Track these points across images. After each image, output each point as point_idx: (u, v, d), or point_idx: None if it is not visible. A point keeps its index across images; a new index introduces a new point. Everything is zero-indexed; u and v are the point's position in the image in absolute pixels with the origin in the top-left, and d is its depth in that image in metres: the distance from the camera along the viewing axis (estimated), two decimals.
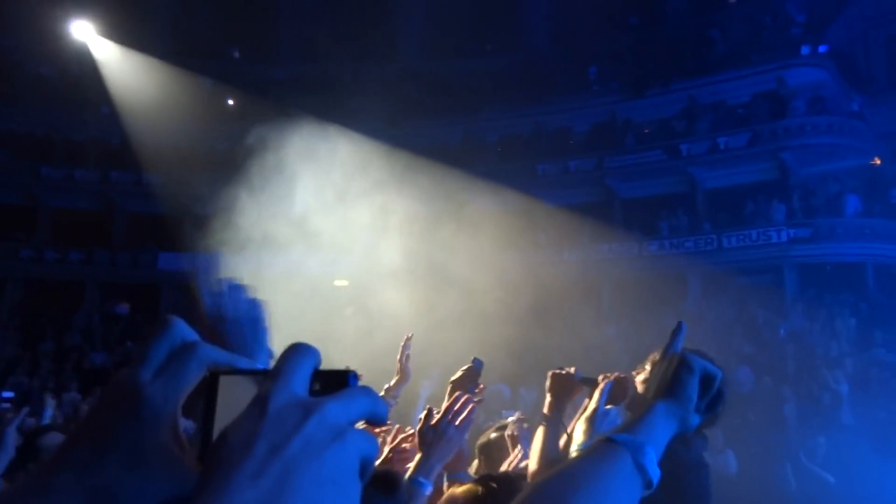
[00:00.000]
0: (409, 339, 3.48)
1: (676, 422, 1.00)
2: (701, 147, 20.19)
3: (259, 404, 0.48)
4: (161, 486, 0.55)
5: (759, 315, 14.82)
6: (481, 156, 20.71)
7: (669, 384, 1.03)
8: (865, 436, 8.10)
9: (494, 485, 2.12)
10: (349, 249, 9.76)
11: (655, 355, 2.42)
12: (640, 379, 2.46)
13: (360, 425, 0.51)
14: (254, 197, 8.45)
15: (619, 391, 2.42)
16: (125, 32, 20.70)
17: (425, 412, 2.29)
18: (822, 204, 18.80)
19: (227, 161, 9.00)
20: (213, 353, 0.59)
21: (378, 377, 3.42)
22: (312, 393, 0.51)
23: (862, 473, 7.17)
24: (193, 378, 0.58)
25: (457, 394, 2.39)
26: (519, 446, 2.97)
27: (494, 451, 3.06)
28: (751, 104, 20.36)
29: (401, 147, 12.14)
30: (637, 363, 2.54)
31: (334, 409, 0.48)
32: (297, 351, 0.52)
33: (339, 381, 0.53)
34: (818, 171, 19.56)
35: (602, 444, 0.92)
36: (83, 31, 20.64)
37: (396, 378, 3.38)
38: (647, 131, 21.71)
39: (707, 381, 1.04)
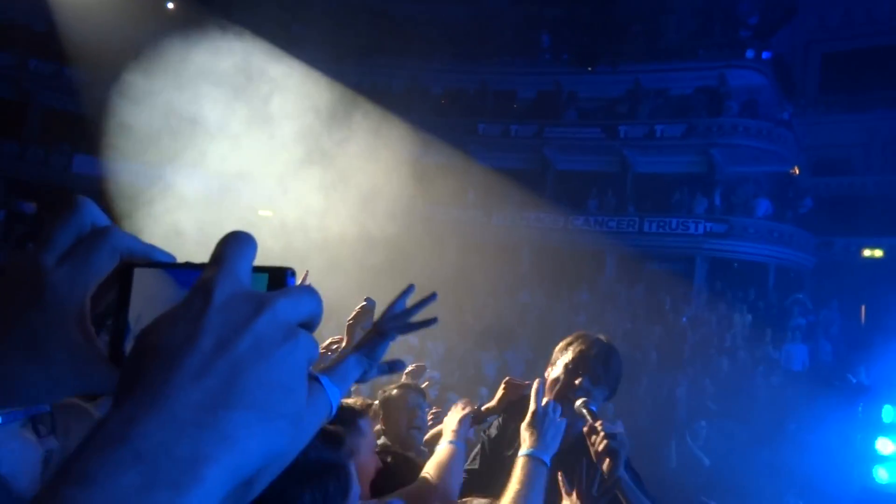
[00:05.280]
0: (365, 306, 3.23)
1: (362, 368, 1.53)
2: (638, 131, 20.60)
3: (202, 293, 0.40)
4: (65, 380, 0.50)
5: (667, 301, 15.46)
6: (423, 105, 20.40)
7: (365, 342, 1.58)
8: (743, 424, 8.64)
9: (390, 459, 2.12)
10: (276, 180, 9.48)
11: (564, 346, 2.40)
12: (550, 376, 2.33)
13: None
14: (180, 109, 8.03)
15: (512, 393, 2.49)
16: None
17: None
18: (739, 203, 19.64)
19: (157, 67, 8.49)
20: (128, 241, 0.51)
21: None
22: None
23: (734, 457, 7.67)
24: (104, 266, 0.50)
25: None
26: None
27: (393, 409, 3.01)
28: (691, 97, 20.85)
29: (342, 83, 11.79)
30: (545, 329, 2.56)
31: (285, 305, 0.42)
32: (239, 238, 0.43)
33: (278, 279, 0.47)
34: (741, 172, 20.38)
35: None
36: None
37: (346, 341, 3.20)
38: (589, 107, 21.93)
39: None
